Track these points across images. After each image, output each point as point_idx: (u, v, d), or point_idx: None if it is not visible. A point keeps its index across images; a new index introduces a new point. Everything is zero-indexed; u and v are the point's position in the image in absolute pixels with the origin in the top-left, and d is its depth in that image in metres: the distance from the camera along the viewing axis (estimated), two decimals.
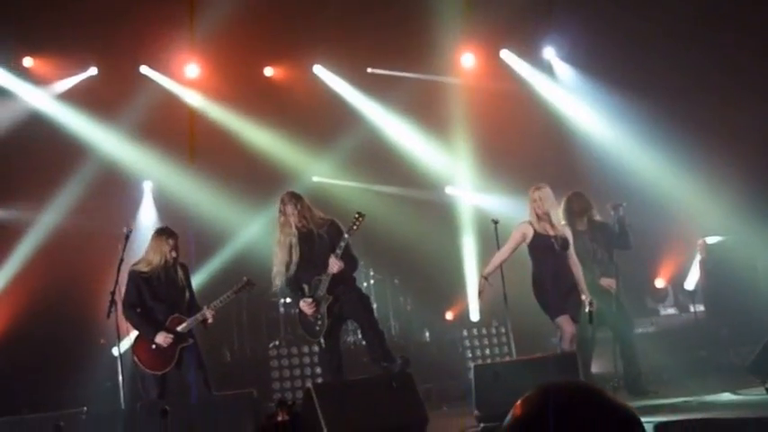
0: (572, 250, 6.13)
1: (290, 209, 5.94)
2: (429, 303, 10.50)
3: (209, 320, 6.26)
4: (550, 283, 6.04)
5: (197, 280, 8.26)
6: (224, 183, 9.96)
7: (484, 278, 6.06)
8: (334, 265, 5.78)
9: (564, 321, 6.02)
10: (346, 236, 5.86)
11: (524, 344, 7.93)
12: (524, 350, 7.55)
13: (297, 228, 5.93)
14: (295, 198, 6.01)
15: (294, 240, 5.91)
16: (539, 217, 6.06)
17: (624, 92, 9.56)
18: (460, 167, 10.80)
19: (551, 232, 6.03)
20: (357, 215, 5.86)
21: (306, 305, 6.04)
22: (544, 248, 6.03)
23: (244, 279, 6.42)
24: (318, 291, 5.94)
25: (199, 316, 6.29)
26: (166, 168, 10.02)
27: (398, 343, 9.64)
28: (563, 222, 6.17)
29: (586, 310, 5.87)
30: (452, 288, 10.64)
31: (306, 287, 6.05)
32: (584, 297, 5.92)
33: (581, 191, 6.90)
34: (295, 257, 5.91)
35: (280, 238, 5.96)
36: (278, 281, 5.96)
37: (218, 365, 8.64)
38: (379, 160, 10.58)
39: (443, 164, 10.86)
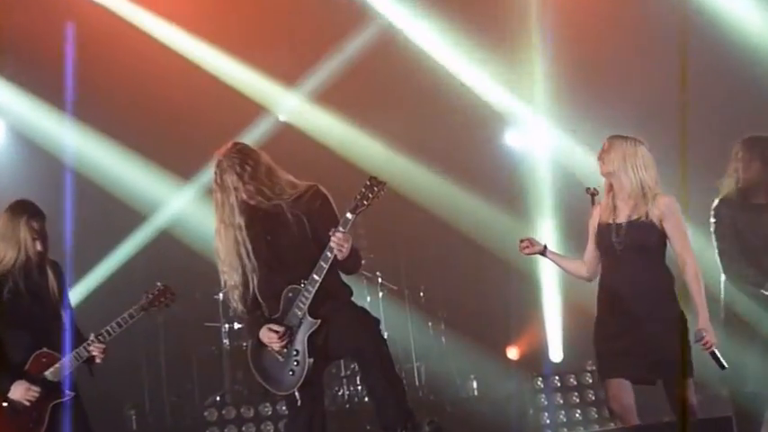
0: (670, 246, 5.96)
1: (231, 178, 5.81)
2: (478, 332, 10.60)
3: (98, 359, 6.30)
4: (603, 311, 6.04)
5: (80, 290, 8.92)
6: (132, 129, 10.24)
7: (543, 249, 6.29)
8: (341, 244, 5.65)
9: (612, 387, 5.90)
10: (350, 215, 5.68)
11: (643, 399, 7.90)
12: (645, 410, 7.29)
13: (248, 207, 5.85)
14: (240, 157, 5.88)
15: (243, 231, 5.85)
16: (607, 191, 6.12)
17: None
18: (531, 99, 10.97)
19: (614, 217, 6.01)
20: (370, 181, 5.73)
21: (270, 334, 5.85)
22: (603, 249, 6.03)
23: (158, 286, 6.53)
24: (293, 309, 5.81)
25: (81, 351, 6.26)
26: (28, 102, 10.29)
27: (426, 398, 9.88)
28: (657, 195, 6.03)
29: (706, 349, 5.83)
30: (518, 308, 10.73)
31: (264, 305, 5.92)
32: (703, 334, 5.76)
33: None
34: (249, 260, 5.87)
35: (219, 228, 5.90)
36: (237, 300, 5.95)
37: None
38: (394, 86, 10.77)
39: (502, 94, 11.03)
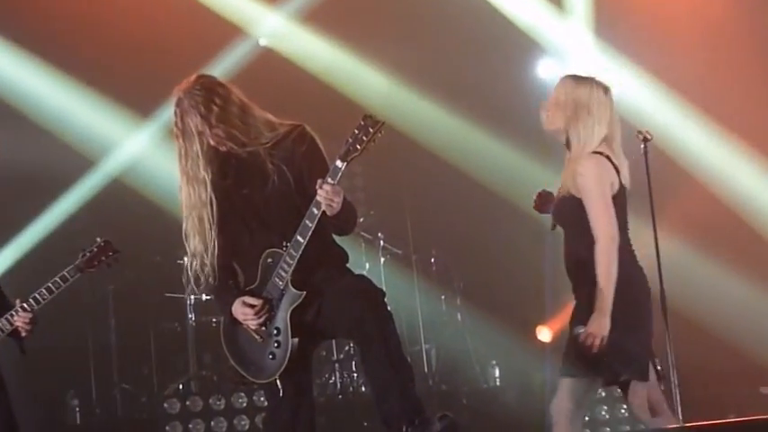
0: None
1: (194, 120, 5.77)
2: (502, 308, 10.79)
3: (24, 332, 6.28)
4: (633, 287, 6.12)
5: (11, 252, 9.26)
6: (78, 54, 10.30)
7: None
8: (330, 198, 5.63)
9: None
10: (340, 163, 5.64)
11: (697, 396, 8.28)
12: (698, 408, 7.70)
13: (218, 155, 5.84)
14: (205, 94, 5.80)
15: (208, 187, 5.85)
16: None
17: None
18: (571, 20, 11.07)
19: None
20: (365, 121, 5.69)
21: (244, 309, 5.81)
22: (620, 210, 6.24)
23: (96, 242, 6.52)
24: (273, 279, 5.77)
25: (3, 323, 6.27)
26: None
27: (437, 387, 10.07)
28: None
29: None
30: (553, 278, 10.42)
31: (241, 273, 5.96)
32: (580, 330, 5.93)
33: None
34: (213, 222, 5.88)
35: (182, 181, 5.90)
36: (199, 271, 5.92)
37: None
38: (399, 4, 10.92)
39: (533, 14, 11.10)
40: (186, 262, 9.27)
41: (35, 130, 10.21)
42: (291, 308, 5.74)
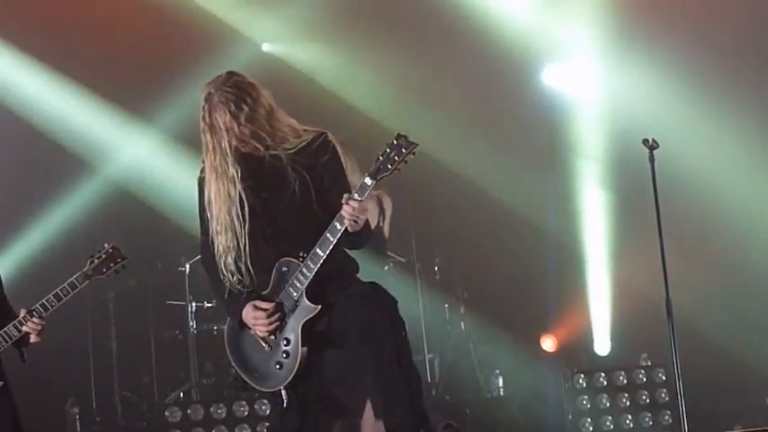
0: None
1: (223, 118, 5.75)
2: (506, 318, 10.82)
3: (33, 338, 6.28)
4: None
5: (11, 259, 9.32)
6: (78, 57, 10.30)
7: None
8: (355, 216, 5.62)
9: None
10: (369, 181, 5.63)
11: (704, 406, 8.64)
12: (704, 420, 8.06)
13: (240, 155, 5.85)
14: (237, 93, 5.80)
15: (237, 185, 5.85)
16: None
17: None
18: (577, 26, 10.96)
19: None
20: (398, 141, 5.70)
21: (256, 313, 5.78)
22: None
23: (105, 248, 6.50)
24: (287, 288, 5.77)
25: (11, 330, 6.25)
26: None
27: (441, 397, 10.06)
28: None
29: None
30: (557, 287, 10.89)
31: (253, 274, 5.86)
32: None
33: None
34: (244, 220, 5.87)
35: (210, 177, 5.89)
36: (232, 266, 5.88)
37: None
38: (404, 10, 10.91)
39: (540, 21, 11.02)
40: (187, 268, 9.19)
41: (34, 133, 10.17)
42: (304, 320, 5.77)
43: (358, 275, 6.05)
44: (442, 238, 11.04)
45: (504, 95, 11.18)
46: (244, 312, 5.81)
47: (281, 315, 5.82)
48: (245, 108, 5.79)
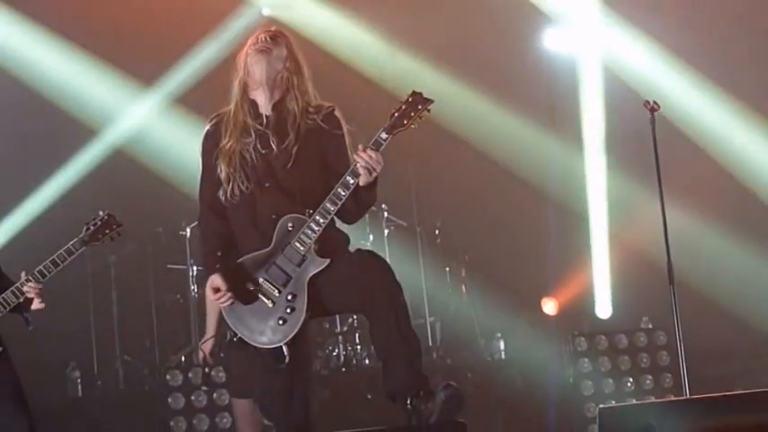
0: None
1: (276, 66, 5.98)
2: (506, 281, 10.83)
3: (37, 302, 6.30)
4: None
5: (10, 225, 9.37)
6: (79, 22, 10.30)
7: None
8: (371, 165, 5.70)
9: None
10: (385, 135, 5.76)
11: (704, 369, 8.54)
12: (704, 382, 7.89)
13: (254, 107, 6.02)
14: (287, 43, 6.04)
15: (253, 140, 5.96)
16: None
17: None
18: None
19: None
20: (413, 96, 5.82)
21: (210, 292, 5.91)
22: None
23: (100, 215, 6.51)
24: (293, 243, 5.81)
25: (9, 296, 6.26)
26: None
27: (442, 361, 10.09)
28: None
29: None
30: (557, 250, 10.90)
31: (259, 235, 5.94)
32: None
33: None
34: (241, 174, 5.95)
35: (233, 107, 5.98)
36: (232, 191, 6.01)
37: (59, 405, 9.13)
38: None
39: None
40: (188, 232, 9.18)
41: (36, 98, 10.18)
42: (312, 274, 5.80)
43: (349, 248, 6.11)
44: (443, 201, 11.04)
45: (506, 58, 11.17)
46: (209, 281, 5.86)
47: (284, 277, 5.82)
48: (304, 68, 5.97)
